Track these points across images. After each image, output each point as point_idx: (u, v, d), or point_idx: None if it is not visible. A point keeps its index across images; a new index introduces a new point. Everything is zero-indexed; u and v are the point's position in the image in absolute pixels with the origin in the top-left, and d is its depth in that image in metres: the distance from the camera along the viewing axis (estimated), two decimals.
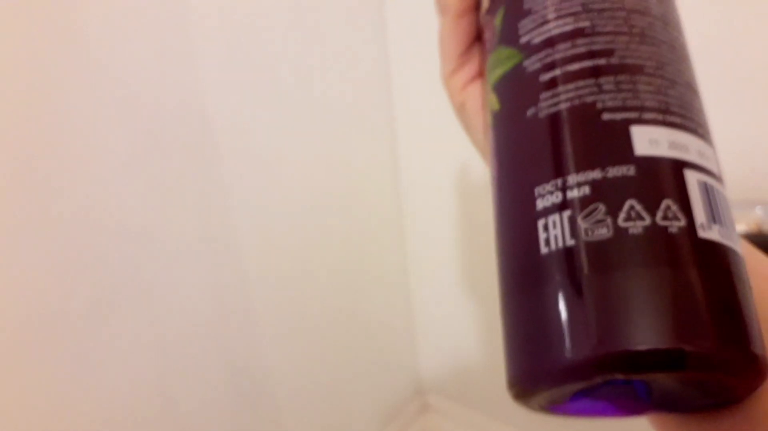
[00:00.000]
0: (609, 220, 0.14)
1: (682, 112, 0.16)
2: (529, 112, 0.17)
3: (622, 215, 0.14)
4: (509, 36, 0.19)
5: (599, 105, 0.15)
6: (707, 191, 0.15)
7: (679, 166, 0.14)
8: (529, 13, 0.19)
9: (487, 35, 0.22)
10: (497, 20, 0.21)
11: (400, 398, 0.97)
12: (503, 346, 0.16)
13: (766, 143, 0.57)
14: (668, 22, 0.18)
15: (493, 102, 0.20)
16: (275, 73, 0.68)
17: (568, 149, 0.15)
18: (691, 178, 0.14)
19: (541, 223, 0.15)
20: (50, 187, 0.50)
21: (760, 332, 0.14)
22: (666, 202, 0.14)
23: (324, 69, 0.74)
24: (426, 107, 0.80)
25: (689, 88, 0.17)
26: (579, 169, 0.15)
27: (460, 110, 0.26)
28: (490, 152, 0.20)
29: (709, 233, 0.14)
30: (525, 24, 0.19)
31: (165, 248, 0.59)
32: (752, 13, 0.53)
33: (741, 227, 0.59)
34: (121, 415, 0.58)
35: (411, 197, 0.89)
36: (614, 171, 0.14)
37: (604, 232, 0.14)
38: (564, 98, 0.16)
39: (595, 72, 0.16)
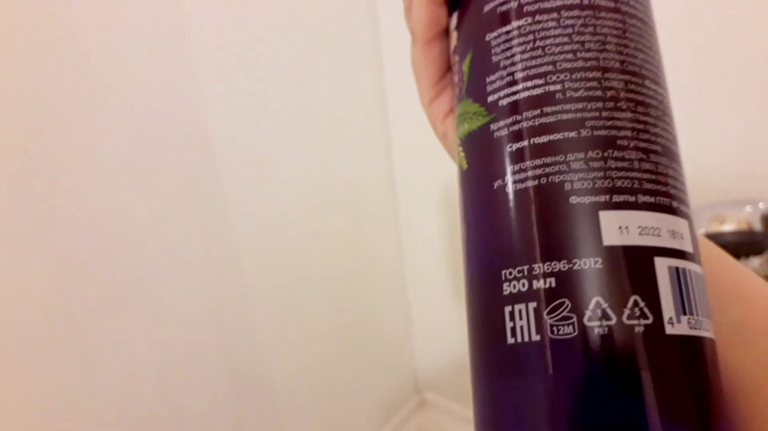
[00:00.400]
0: (574, 318, 0.13)
1: (655, 188, 0.15)
2: (497, 183, 0.16)
3: (587, 314, 0.13)
4: (476, 91, 0.18)
5: (567, 187, 0.15)
6: (678, 278, 0.14)
7: (649, 254, 0.14)
8: (497, 68, 0.18)
9: (456, 78, 0.21)
10: (465, 66, 0.20)
11: (398, 395, 0.98)
12: (474, 423, 0.16)
13: (757, 143, 0.56)
14: (646, 77, 0.17)
15: (462, 159, 0.19)
16: (273, 84, 0.68)
17: (535, 234, 0.14)
18: (661, 266, 0.14)
19: (507, 310, 0.14)
20: (53, 192, 0.50)
21: (724, 415, 0.14)
22: (633, 299, 0.13)
23: (321, 81, 0.74)
24: (421, 118, 0.79)
25: (666, 153, 0.16)
26: (545, 258, 0.14)
27: (443, 138, 0.25)
28: (460, 210, 0.19)
29: (677, 328, 0.13)
30: (493, 80, 0.18)
31: (167, 255, 0.60)
32: (752, 13, 0.52)
33: (732, 225, 0.59)
34: (124, 418, 0.58)
35: (407, 204, 0.89)
36: (581, 264, 0.14)
37: (569, 331, 0.13)
38: (531, 175, 0.15)
39: (564, 148, 0.15)
